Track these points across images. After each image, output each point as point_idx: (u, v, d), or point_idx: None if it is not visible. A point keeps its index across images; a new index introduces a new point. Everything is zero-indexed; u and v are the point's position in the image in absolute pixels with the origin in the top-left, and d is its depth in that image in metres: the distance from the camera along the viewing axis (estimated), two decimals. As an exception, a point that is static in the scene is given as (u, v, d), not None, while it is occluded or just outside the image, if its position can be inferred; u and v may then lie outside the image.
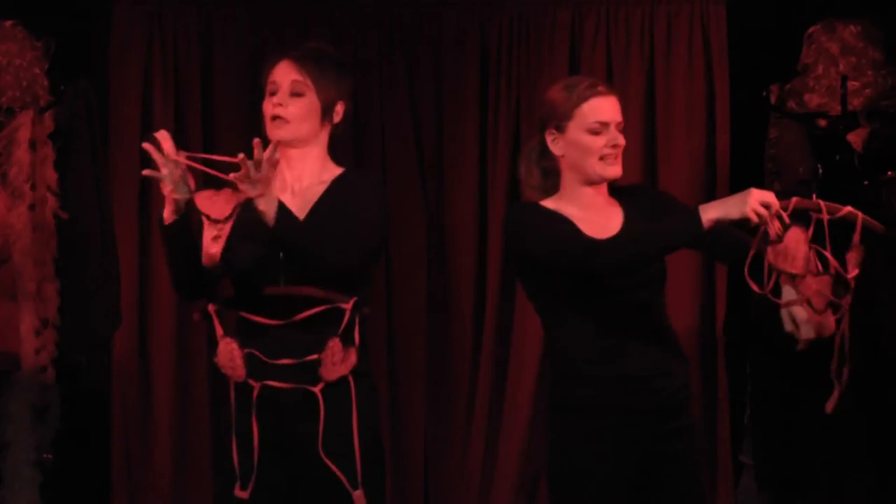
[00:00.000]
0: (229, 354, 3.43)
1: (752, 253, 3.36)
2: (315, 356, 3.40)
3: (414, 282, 5.51)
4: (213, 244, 3.31)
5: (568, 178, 3.64)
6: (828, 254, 3.42)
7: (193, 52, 5.48)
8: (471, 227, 5.54)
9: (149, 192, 5.44)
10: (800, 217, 3.39)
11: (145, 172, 3.28)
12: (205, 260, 3.34)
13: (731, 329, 5.29)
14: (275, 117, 3.49)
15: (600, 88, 3.60)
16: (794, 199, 3.39)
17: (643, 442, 3.57)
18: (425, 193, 5.55)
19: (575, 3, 5.50)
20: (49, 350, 5.10)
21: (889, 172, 4.88)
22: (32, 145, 5.10)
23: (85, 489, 5.27)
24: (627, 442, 3.57)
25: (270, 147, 3.27)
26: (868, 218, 3.44)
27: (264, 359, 3.41)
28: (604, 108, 3.58)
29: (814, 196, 4.93)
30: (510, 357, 5.47)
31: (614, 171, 3.60)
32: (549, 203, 3.65)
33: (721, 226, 3.34)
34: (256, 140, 3.24)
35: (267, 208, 3.30)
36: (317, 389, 3.40)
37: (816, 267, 3.41)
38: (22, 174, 5.09)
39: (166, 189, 3.29)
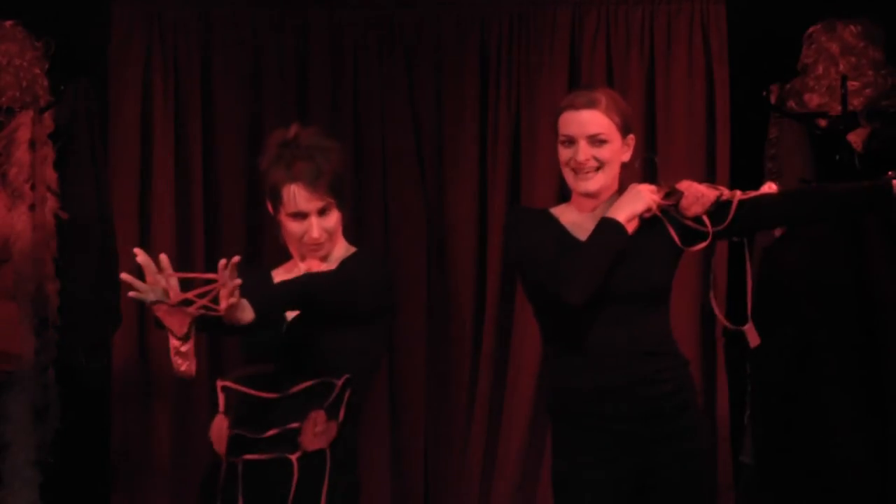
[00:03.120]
0: (219, 432, 3.59)
1: (672, 230, 3.66)
2: (297, 424, 3.48)
3: (414, 282, 5.51)
4: (182, 361, 3.33)
5: None
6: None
7: (193, 52, 5.48)
8: (471, 227, 5.53)
9: (149, 192, 5.44)
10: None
11: (131, 294, 3.20)
12: (177, 375, 3.38)
13: (731, 329, 5.28)
14: (316, 245, 3.59)
15: (575, 102, 3.67)
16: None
17: (643, 446, 3.58)
18: (425, 193, 5.55)
19: (575, 3, 5.49)
20: (49, 350, 5.10)
21: (889, 172, 4.87)
22: (32, 145, 5.10)
23: (85, 489, 5.27)
24: (627, 447, 3.58)
25: (232, 266, 3.19)
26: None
27: (251, 436, 3.51)
28: (571, 122, 3.66)
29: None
30: (510, 358, 5.47)
31: (583, 185, 3.66)
32: (557, 208, 3.73)
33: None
34: (223, 262, 3.18)
35: (239, 315, 3.25)
36: (294, 457, 3.47)
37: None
38: (22, 174, 5.09)
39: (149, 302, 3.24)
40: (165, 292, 3.17)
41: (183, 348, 3.30)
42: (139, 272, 3.20)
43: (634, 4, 5.45)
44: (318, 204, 3.56)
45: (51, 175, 5.14)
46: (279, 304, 3.40)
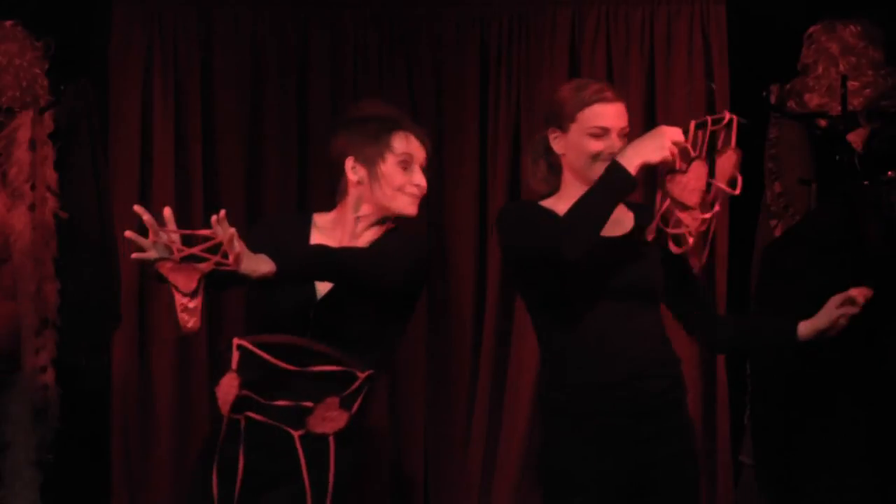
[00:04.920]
0: (226, 388, 3.51)
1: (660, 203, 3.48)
2: (310, 404, 3.45)
3: (414, 282, 5.51)
4: (189, 318, 3.28)
5: (568, 178, 3.68)
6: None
7: (193, 52, 5.48)
8: (471, 228, 5.54)
9: (149, 191, 5.44)
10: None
11: (135, 256, 3.23)
12: (182, 332, 3.33)
13: (731, 329, 5.28)
14: (417, 193, 3.64)
15: (607, 94, 3.62)
16: (708, 118, 3.54)
17: (634, 443, 3.58)
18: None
19: (575, 3, 5.50)
20: (49, 350, 5.10)
21: (889, 172, 4.87)
22: (32, 145, 5.10)
23: (85, 489, 5.27)
24: (617, 443, 3.58)
25: (221, 220, 3.21)
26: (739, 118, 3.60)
27: (261, 401, 3.49)
28: (607, 114, 3.60)
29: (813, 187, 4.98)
30: (510, 357, 5.47)
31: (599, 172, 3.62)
32: (547, 202, 3.68)
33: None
34: (214, 218, 3.20)
35: (253, 266, 3.26)
36: (296, 434, 3.45)
37: (709, 201, 3.50)
38: (22, 174, 5.09)
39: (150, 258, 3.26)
40: (168, 248, 3.20)
41: (191, 304, 3.25)
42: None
43: (634, 4, 5.45)
44: (425, 154, 3.64)
45: (51, 175, 5.14)
46: (301, 263, 3.37)
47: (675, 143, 3.41)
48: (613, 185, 3.42)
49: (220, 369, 3.55)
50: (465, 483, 5.50)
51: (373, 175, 3.60)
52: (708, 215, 3.49)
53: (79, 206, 5.17)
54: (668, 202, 3.47)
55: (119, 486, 5.38)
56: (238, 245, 3.20)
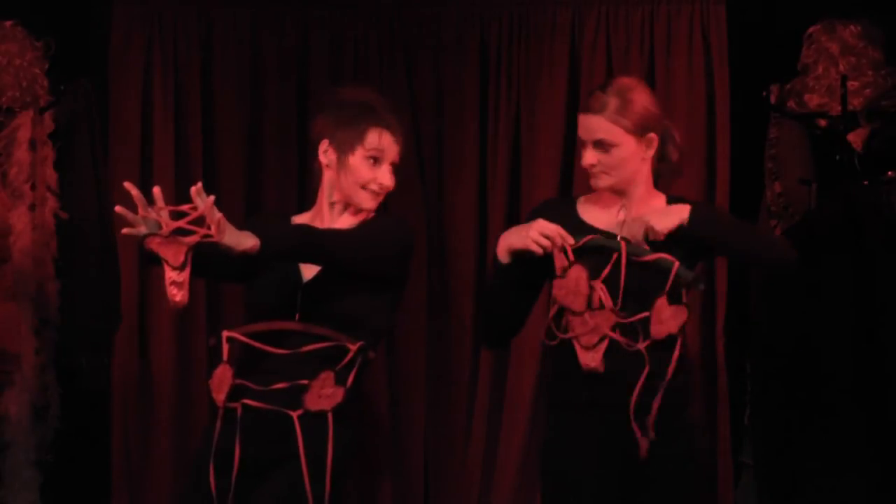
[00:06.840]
0: (220, 378, 3.56)
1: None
2: (305, 381, 3.46)
3: (414, 281, 5.49)
4: (177, 291, 3.33)
5: None
6: (604, 294, 3.50)
7: (193, 52, 5.48)
8: (471, 228, 5.53)
9: (149, 191, 5.42)
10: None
11: (125, 231, 3.36)
12: (171, 306, 3.38)
13: (731, 329, 5.28)
14: (378, 192, 3.67)
15: (588, 104, 3.66)
16: (588, 237, 3.51)
17: (636, 440, 3.57)
18: (425, 194, 5.55)
19: (575, 3, 5.49)
20: (49, 350, 5.10)
21: (889, 172, 4.88)
22: (32, 145, 5.10)
23: (85, 489, 5.27)
24: (618, 437, 3.56)
25: (199, 190, 3.31)
26: (683, 270, 3.52)
27: (256, 387, 3.51)
28: (581, 125, 3.67)
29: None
30: (510, 357, 5.47)
31: (593, 183, 3.67)
32: (588, 196, 3.74)
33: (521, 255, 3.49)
34: (193, 190, 3.30)
35: (237, 239, 3.33)
36: (295, 414, 3.45)
37: (601, 304, 3.49)
38: (22, 174, 5.09)
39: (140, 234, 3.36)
40: (157, 224, 3.30)
41: (179, 278, 3.32)
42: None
43: (634, 4, 5.45)
44: (397, 151, 3.65)
45: (51, 175, 5.14)
46: (285, 243, 3.42)
47: (547, 237, 3.49)
48: (493, 274, 3.61)
49: (214, 364, 3.59)
50: (465, 483, 5.50)
51: (341, 163, 3.66)
52: (609, 321, 3.50)
53: (79, 206, 5.17)
54: (556, 307, 3.52)
55: (119, 486, 5.38)
56: (218, 213, 3.27)
